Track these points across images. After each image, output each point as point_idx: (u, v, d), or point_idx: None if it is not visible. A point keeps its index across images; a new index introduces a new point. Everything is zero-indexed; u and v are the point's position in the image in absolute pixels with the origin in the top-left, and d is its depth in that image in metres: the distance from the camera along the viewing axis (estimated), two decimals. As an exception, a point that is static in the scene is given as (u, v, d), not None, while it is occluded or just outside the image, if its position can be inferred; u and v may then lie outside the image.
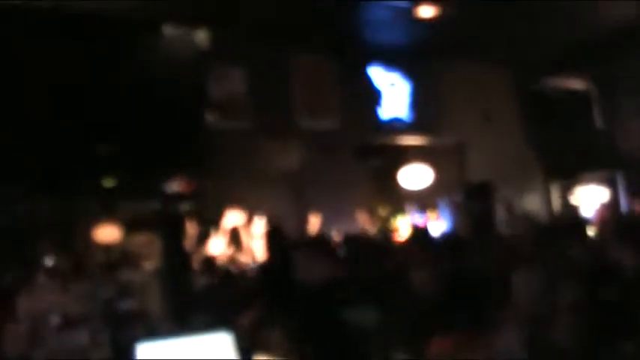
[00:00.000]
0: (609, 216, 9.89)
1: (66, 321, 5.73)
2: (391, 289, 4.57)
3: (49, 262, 6.09)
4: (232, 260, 7.73)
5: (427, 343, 3.27)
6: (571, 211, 11.77)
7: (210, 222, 8.06)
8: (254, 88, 9.70)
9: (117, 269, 6.83)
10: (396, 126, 11.28)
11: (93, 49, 7.85)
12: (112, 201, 7.89)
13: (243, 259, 7.75)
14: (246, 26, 9.14)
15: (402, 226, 10.69)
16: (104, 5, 7.99)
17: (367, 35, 10.32)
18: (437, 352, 3.22)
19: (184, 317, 5.79)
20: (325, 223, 8.96)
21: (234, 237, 7.99)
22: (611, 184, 11.77)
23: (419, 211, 11.17)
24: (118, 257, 7.23)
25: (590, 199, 11.75)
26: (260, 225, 7.82)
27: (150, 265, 7.16)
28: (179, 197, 8.68)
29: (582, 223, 6.95)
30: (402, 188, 11.22)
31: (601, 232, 6.50)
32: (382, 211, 10.86)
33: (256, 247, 7.73)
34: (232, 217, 7.86)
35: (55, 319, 5.77)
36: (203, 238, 7.86)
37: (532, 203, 11.80)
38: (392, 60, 11.17)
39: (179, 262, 7.66)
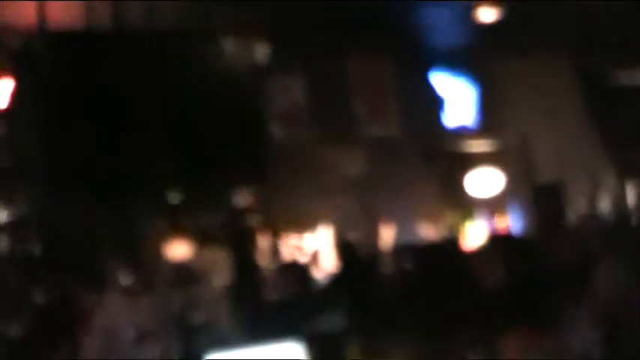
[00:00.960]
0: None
1: (138, 335, 5.79)
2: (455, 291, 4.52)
3: (120, 277, 6.16)
4: (303, 271, 7.72)
5: (500, 341, 3.23)
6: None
7: (278, 233, 8.10)
8: (315, 96, 9.70)
9: (187, 284, 6.88)
10: (459, 130, 11.15)
11: (155, 65, 7.98)
12: (179, 216, 7.97)
13: (314, 270, 7.74)
14: (303, 34, 9.15)
15: (472, 232, 10.53)
16: (162, 21, 8.17)
17: (427, 38, 10.24)
18: (510, 349, 3.17)
19: (256, 329, 5.79)
20: (392, 231, 8.90)
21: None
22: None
23: (488, 217, 11.00)
24: (187, 272, 7.29)
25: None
26: (329, 235, 7.80)
27: (219, 278, 7.20)
28: (246, 210, 8.71)
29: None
30: (470, 194, 11.07)
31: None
32: (450, 218, 10.73)
33: (326, 259, 7.71)
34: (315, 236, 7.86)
35: (128, 334, 5.84)
36: (273, 249, 7.90)
37: (607, 201, 11.47)
38: (453, 63, 11.05)
39: (250, 276, 7.70)
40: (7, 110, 7.75)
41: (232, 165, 8.23)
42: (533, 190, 10.71)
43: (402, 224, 9.49)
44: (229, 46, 8.67)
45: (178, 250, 7.27)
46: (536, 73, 11.36)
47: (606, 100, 11.93)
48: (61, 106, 7.70)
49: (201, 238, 7.66)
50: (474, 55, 10.84)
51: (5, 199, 7.65)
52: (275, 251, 8.21)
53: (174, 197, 8.06)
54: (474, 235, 10.36)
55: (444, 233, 9.84)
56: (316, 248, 8.42)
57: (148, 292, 6.26)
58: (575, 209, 9.97)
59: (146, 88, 7.86)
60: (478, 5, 9.32)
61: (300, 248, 8.45)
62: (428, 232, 9.65)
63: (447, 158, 11.10)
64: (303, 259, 8.04)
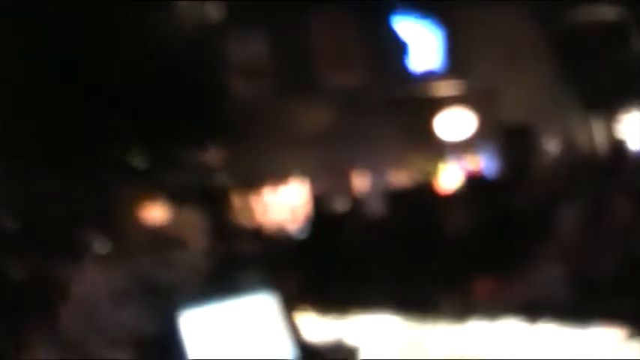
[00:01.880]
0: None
1: (115, 299, 5.80)
2: (431, 235, 4.57)
3: (95, 245, 6.16)
4: (276, 226, 7.76)
5: (469, 286, 3.27)
6: (616, 145, 11.51)
7: (248, 190, 8.08)
8: (276, 49, 9.58)
9: (161, 245, 6.88)
10: (426, 75, 11.12)
11: (110, 29, 7.84)
12: (148, 180, 7.93)
13: (287, 224, 7.76)
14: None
15: (445, 175, 10.58)
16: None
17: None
18: (479, 293, 3.22)
19: (230, 282, 5.83)
20: (364, 180, 8.92)
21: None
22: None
23: (458, 159, 11.05)
24: (161, 235, 7.29)
25: (636, 131, 11.47)
26: (300, 189, 7.80)
27: (194, 239, 7.20)
28: (214, 168, 8.67)
29: (627, 155, 6.81)
30: (440, 137, 11.09)
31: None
32: (422, 163, 10.76)
33: (299, 213, 7.73)
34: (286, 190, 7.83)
35: (106, 300, 5.85)
36: (244, 206, 7.88)
37: (573, 139, 11.56)
38: (415, 8, 10.96)
39: (223, 232, 7.70)
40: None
41: (196, 124, 8.16)
42: (502, 131, 10.73)
43: (374, 172, 9.51)
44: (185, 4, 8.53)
45: (150, 214, 7.24)
46: (500, 16, 11.33)
47: (569, 38, 11.95)
48: (15, 78, 7.56)
49: (173, 200, 7.64)
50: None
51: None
52: (248, 208, 8.20)
53: (141, 162, 8.00)
54: (447, 178, 10.42)
55: (417, 178, 9.88)
56: (289, 202, 8.42)
57: (123, 258, 6.26)
58: (544, 149, 10.03)
59: (101, 52, 7.73)
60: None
61: (272, 204, 8.45)
62: (400, 178, 9.69)
63: (415, 103, 11.10)
64: (277, 215, 8.07)
